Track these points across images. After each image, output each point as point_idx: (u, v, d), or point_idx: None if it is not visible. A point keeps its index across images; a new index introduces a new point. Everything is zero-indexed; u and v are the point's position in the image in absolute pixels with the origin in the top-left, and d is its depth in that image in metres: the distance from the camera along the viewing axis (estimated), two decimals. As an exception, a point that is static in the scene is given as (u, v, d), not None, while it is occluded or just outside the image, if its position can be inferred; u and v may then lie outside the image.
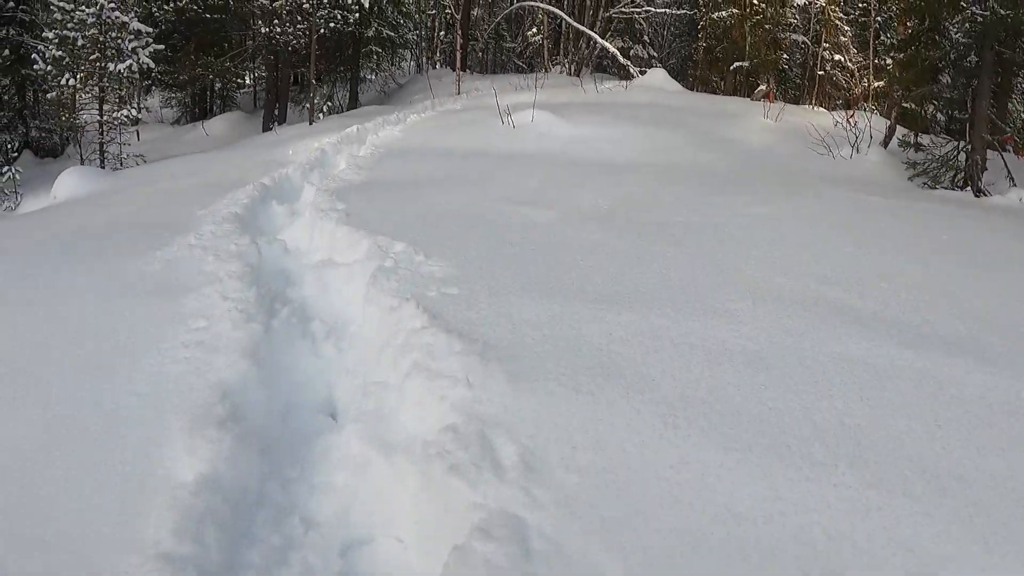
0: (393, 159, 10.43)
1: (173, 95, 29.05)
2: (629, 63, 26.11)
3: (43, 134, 24.72)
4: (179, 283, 4.92)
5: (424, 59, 38.56)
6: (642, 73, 24.82)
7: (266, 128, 22.68)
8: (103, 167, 17.35)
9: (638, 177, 8.78)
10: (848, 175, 11.03)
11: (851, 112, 12.97)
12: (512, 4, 33.89)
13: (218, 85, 29.36)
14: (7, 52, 25.52)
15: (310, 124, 18.97)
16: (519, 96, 17.60)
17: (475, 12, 33.61)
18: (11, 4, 26.14)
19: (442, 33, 38.92)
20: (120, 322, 4.33)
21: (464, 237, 5.69)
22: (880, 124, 13.68)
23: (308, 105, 19.44)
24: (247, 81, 32.73)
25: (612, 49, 26.81)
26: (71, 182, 13.50)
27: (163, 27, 25.91)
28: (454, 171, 9.11)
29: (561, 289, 4.45)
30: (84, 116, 17.73)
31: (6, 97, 26.58)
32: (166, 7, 24.45)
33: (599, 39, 27.27)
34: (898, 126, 13.35)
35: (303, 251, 6.44)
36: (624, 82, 23.33)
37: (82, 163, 17.69)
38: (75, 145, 17.66)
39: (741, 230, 6.20)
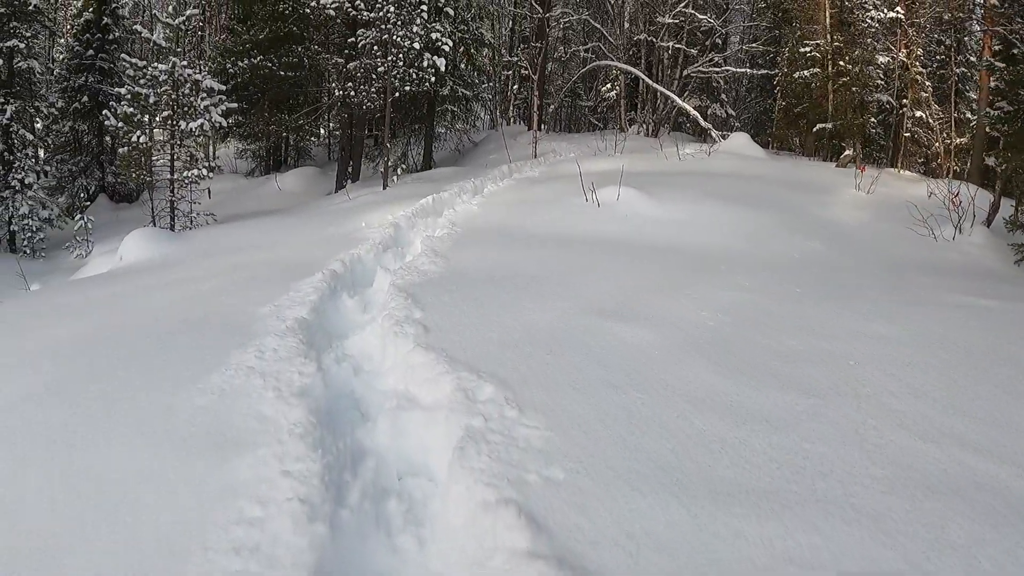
0: (471, 244, 9.75)
1: (247, 147, 29.04)
2: (711, 127, 25.34)
3: (119, 180, 24.76)
4: (233, 432, 4.19)
5: (498, 114, 38.24)
6: (724, 137, 24.07)
7: (339, 186, 22.29)
8: (173, 225, 17.12)
9: (738, 279, 7.95)
10: (955, 263, 10.28)
11: (955, 193, 12.06)
12: (587, 63, 33.51)
13: (293, 138, 29.28)
14: (85, 99, 25.76)
15: (384, 188, 18.50)
16: (599, 162, 16.97)
17: (549, 66, 33.18)
18: (91, 52, 26.43)
19: (515, 87, 38.63)
20: (163, 496, 3.63)
21: (558, 374, 4.92)
22: (982, 199, 12.77)
23: (383, 169, 18.98)
24: (322, 134, 32.67)
25: (692, 112, 26.10)
26: (136, 245, 13.39)
27: (239, 80, 25.97)
28: (537, 265, 8.37)
29: (683, 479, 3.61)
30: (155, 173, 17.44)
31: (85, 142, 26.81)
32: (241, 63, 24.37)
33: (679, 100, 26.57)
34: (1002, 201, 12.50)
35: (376, 371, 5.73)
36: (706, 147, 22.57)
37: (153, 216, 17.53)
38: (149, 192, 17.32)
39: (871, 364, 5.35)
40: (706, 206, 11.70)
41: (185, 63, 17.08)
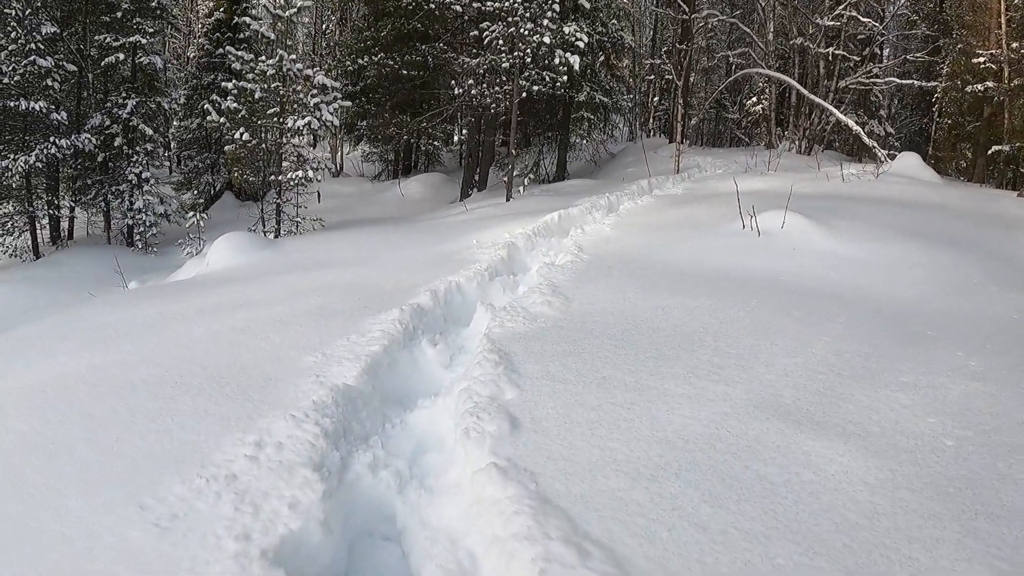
0: (600, 278, 7.59)
1: (374, 150, 27.90)
2: (875, 145, 22.52)
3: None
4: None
5: (636, 126, 36.02)
6: (890, 157, 21.24)
7: (464, 194, 20.84)
8: (278, 229, 15.90)
9: (961, 357, 5.44)
10: None
11: None
12: (733, 71, 30.94)
13: (422, 142, 27.95)
14: (214, 96, 24.98)
15: (507, 200, 16.52)
16: (750, 181, 14.75)
17: (691, 76, 30.75)
18: (220, 51, 25.54)
19: (656, 99, 36.28)
20: None
21: (725, 557, 2.75)
22: None
23: (506, 179, 16.94)
24: (455, 140, 31.26)
25: (855, 128, 23.16)
26: (222, 251, 12.35)
27: (367, 81, 24.62)
28: (686, 317, 6.15)
29: None
30: (260, 173, 16.00)
31: (213, 139, 26.15)
32: (361, 61, 22.89)
33: (839, 115, 23.68)
34: None
35: (434, 487, 3.69)
36: (871, 168, 19.82)
37: (262, 218, 16.39)
38: (275, 191, 16.14)
39: None
40: (890, 242, 9.22)
41: (294, 57, 15.47)
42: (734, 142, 33.64)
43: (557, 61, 16.31)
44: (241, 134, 15.27)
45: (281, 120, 15.46)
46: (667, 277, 7.62)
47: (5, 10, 18.29)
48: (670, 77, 27.58)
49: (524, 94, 16.72)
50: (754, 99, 30.03)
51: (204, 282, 10.41)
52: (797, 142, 27.18)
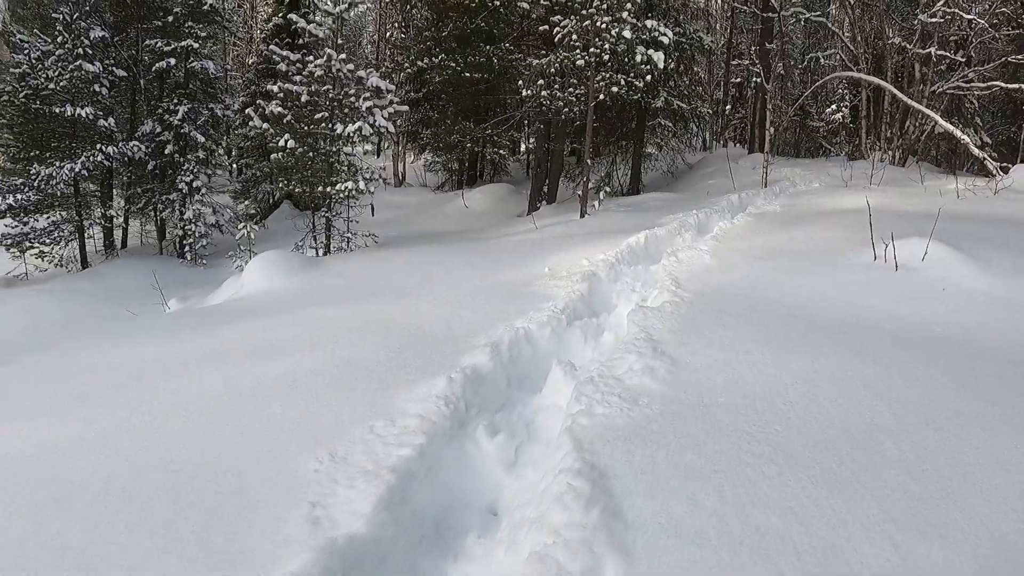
0: (709, 329, 5.80)
1: (437, 159, 26.50)
2: (987, 157, 20.33)
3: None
4: None
5: (713, 133, 34.01)
6: (1004, 171, 19.05)
7: (532, 207, 19.30)
8: (328, 245, 14.70)
9: None
10: None
11: None
12: (817, 75, 28.80)
13: (488, 151, 26.46)
14: (259, 101, 23.94)
15: (581, 216, 14.77)
16: (850, 197, 13.31)
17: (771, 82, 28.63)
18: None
19: (728, 108, 34.15)
20: None
21: None
22: None
23: (580, 192, 15.09)
24: (522, 148, 29.70)
25: (962, 137, 20.85)
26: (256, 274, 11.19)
27: (429, 88, 23.44)
28: (839, 400, 4.26)
29: None
30: (307, 183, 14.57)
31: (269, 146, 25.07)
32: (421, 63, 21.37)
33: (943, 123, 21.41)
34: None
35: None
36: (985, 182, 17.66)
37: (314, 230, 15.09)
38: (325, 204, 14.91)
39: None
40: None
41: (344, 57, 13.97)
42: (815, 152, 31.36)
43: (639, 59, 14.44)
44: (286, 141, 13.81)
45: (330, 126, 13.96)
46: (795, 326, 5.84)
47: (53, 15, 17.87)
48: (750, 81, 25.63)
49: (601, 96, 14.89)
50: (833, 106, 27.99)
51: (229, 312, 9.11)
52: (891, 152, 24.99)
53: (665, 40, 14.83)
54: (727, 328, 5.80)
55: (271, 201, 26.45)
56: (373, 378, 5.05)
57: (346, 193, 13.90)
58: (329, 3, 14.25)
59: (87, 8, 18.96)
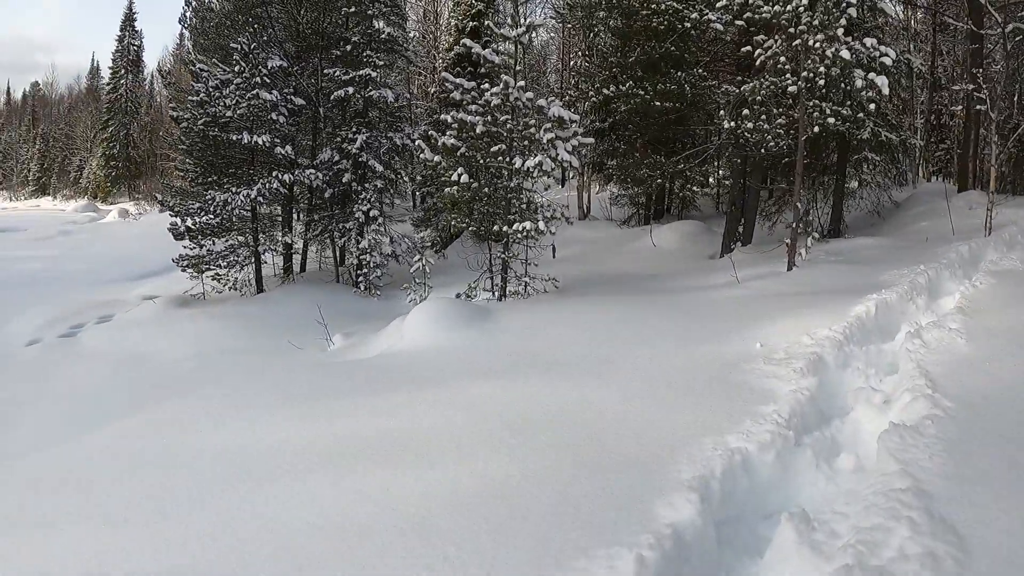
0: (997, 475, 4.20)
1: (623, 192, 25.20)
2: None
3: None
4: None
5: (918, 170, 31.10)
6: None
7: (726, 248, 17.73)
8: (504, 288, 13.67)
9: None
10: None
11: None
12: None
13: (676, 185, 24.98)
14: (431, 131, 23.71)
15: (788, 269, 13.06)
16: None
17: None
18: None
19: (922, 138, 31.01)
20: None
21: None
22: None
23: (789, 239, 13.32)
24: (711, 182, 28.03)
25: None
26: (417, 325, 10.23)
27: (615, 118, 22.34)
28: None
29: None
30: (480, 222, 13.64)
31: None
32: (606, 90, 20.10)
33: None
34: None
35: None
36: None
37: (490, 272, 13.98)
38: (500, 244, 13.94)
39: None
40: None
41: (522, 84, 12.91)
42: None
43: (859, 84, 12.58)
44: (460, 175, 12.85)
45: (508, 160, 12.89)
46: None
47: (232, 45, 18.02)
48: (961, 106, 23.01)
49: (816, 128, 13.12)
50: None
51: (379, 372, 8.27)
52: None
53: (888, 61, 12.85)
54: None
55: (451, 230, 25.87)
56: (529, 533, 3.84)
57: (524, 233, 12.78)
58: (507, 27, 13.24)
59: (265, 38, 19.26)
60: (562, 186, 34.78)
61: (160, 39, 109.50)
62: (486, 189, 13.19)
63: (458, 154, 12.97)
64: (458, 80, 13.30)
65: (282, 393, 7.48)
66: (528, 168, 12.52)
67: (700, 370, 6.80)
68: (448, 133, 13.08)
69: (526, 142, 12.99)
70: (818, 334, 7.34)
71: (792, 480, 4.77)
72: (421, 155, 14.33)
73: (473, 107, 13.03)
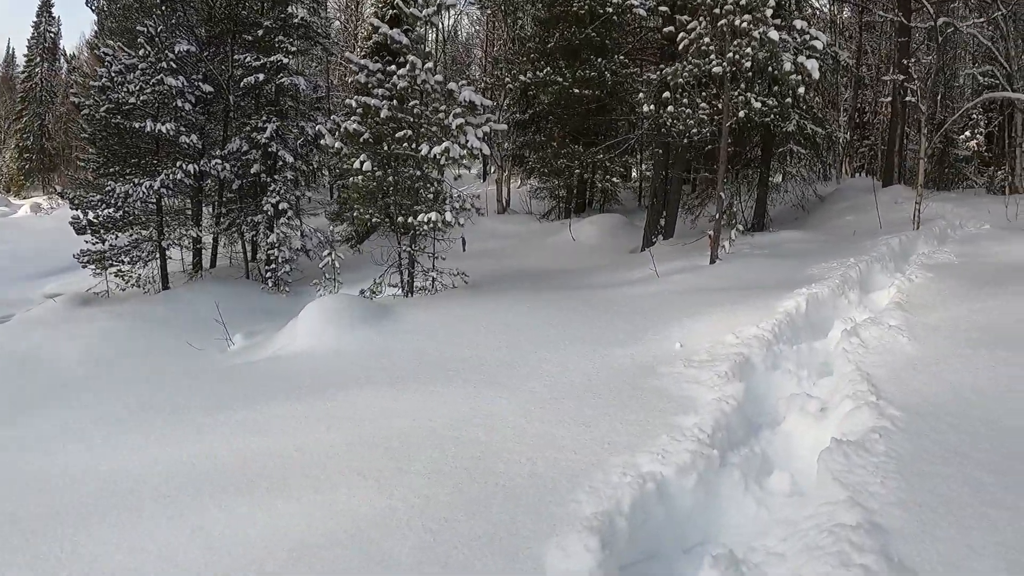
0: (957, 501, 3.48)
1: (543, 185, 24.43)
2: None
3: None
4: None
5: (841, 165, 31.01)
6: None
7: (647, 242, 17.04)
8: (411, 284, 12.90)
9: None
10: None
11: None
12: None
13: (598, 178, 24.33)
14: (333, 116, 22.83)
15: (711, 262, 12.31)
16: None
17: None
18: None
19: (846, 134, 30.99)
20: None
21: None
22: None
23: (712, 232, 12.55)
24: (633, 175, 27.42)
25: None
26: (310, 324, 9.45)
27: (537, 109, 21.70)
28: None
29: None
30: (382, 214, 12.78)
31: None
32: (523, 77, 19.30)
33: None
34: None
35: None
36: None
37: (400, 268, 13.12)
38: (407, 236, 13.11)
39: None
40: None
41: (431, 66, 12.02)
42: (955, 184, 27.96)
43: (788, 67, 11.79)
44: (362, 163, 11.90)
45: (414, 146, 11.96)
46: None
47: (138, 28, 16.95)
48: (888, 99, 22.76)
49: (741, 113, 12.35)
50: (967, 133, 25.16)
51: (261, 379, 7.53)
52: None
53: (819, 45, 12.12)
54: (995, 503, 3.53)
55: (367, 224, 24.81)
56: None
57: (430, 225, 11.89)
58: (416, 7, 12.35)
59: (173, 21, 18.14)
60: (483, 180, 34.05)
61: (80, 27, 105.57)
62: (391, 178, 12.25)
63: (361, 140, 12.01)
64: (362, 61, 12.42)
65: (154, 404, 6.85)
66: (435, 155, 11.62)
67: (612, 375, 5.99)
68: (352, 119, 12.12)
69: (434, 128, 12.09)
70: (744, 332, 6.57)
71: (717, 507, 4.01)
72: (322, 142, 13.36)
73: (380, 91, 12.12)
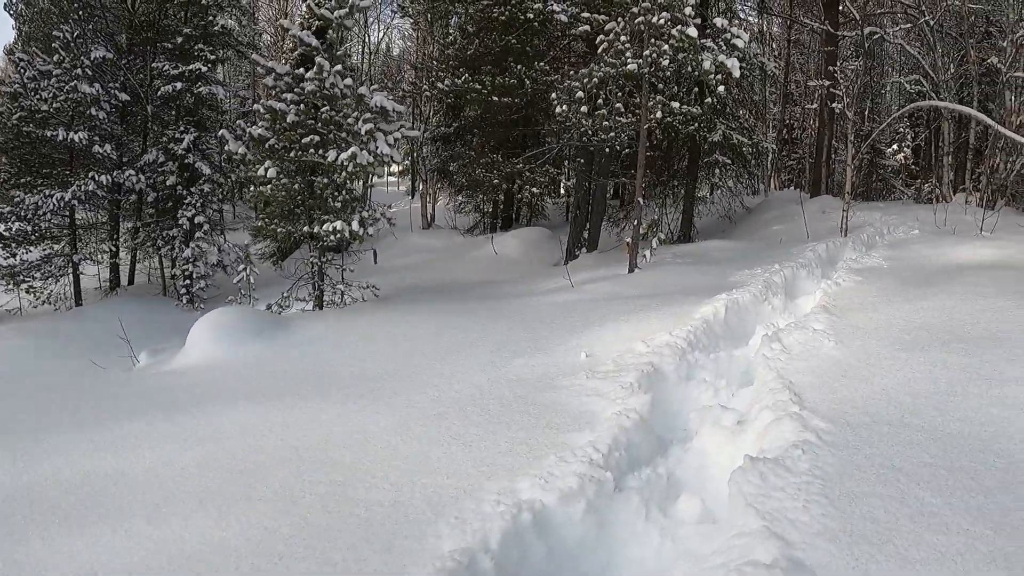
0: (898, 530, 2.90)
1: (468, 199, 23.82)
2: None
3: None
4: None
5: (770, 176, 30.96)
6: None
7: (570, 255, 16.51)
8: (321, 298, 12.15)
9: None
10: None
11: None
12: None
13: (526, 190, 23.81)
14: (238, 121, 22.25)
15: (630, 271, 11.69)
16: (969, 248, 11.15)
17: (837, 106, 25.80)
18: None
19: (774, 148, 31.01)
20: None
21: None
22: None
23: (629, 240, 11.94)
24: (562, 190, 26.94)
25: None
26: (202, 337, 8.91)
27: (462, 122, 21.37)
28: None
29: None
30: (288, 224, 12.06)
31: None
32: (441, 84, 18.67)
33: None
34: None
35: None
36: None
37: (314, 281, 12.32)
38: (313, 248, 12.52)
39: None
40: None
41: (340, 68, 11.33)
42: (883, 194, 28.06)
43: (708, 65, 11.19)
44: (267, 169, 11.14)
45: (322, 153, 11.21)
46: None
47: (55, 32, 16.30)
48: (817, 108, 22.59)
49: (659, 114, 11.74)
50: (895, 146, 25.25)
51: (141, 395, 6.97)
52: (978, 194, 21.77)
53: (740, 43, 11.59)
54: (942, 529, 2.92)
55: (292, 239, 24.00)
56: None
57: (337, 235, 11.14)
58: (326, 8, 11.70)
59: (91, 27, 17.43)
60: (412, 196, 33.47)
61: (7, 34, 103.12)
62: (297, 186, 11.51)
63: (267, 147, 11.23)
64: (269, 64, 11.63)
65: (19, 423, 6.28)
66: (341, 162, 10.88)
67: (509, 387, 5.32)
68: (260, 123, 11.37)
69: (344, 134, 11.36)
70: (656, 340, 5.93)
71: (612, 539, 3.33)
72: (226, 147, 12.57)
73: (289, 95, 11.38)
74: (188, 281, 17.16)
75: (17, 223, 15.45)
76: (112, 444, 5.09)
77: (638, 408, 4.47)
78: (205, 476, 4.22)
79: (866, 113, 26.01)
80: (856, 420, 4.08)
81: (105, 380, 9.55)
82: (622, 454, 3.92)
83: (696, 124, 15.01)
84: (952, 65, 21.93)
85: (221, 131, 13.20)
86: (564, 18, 15.18)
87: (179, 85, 17.35)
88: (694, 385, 5.32)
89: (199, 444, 4.83)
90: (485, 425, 4.49)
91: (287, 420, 5.11)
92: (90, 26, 17.38)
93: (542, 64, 17.43)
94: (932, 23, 21.21)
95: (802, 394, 4.49)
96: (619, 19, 11.50)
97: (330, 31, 12.40)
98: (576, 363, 5.87)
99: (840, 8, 22.15)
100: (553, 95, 12.50)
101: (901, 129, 26.49)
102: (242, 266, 14.21)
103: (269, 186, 11.50)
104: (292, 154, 11.34)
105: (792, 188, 30.25)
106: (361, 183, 11.60)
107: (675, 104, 11.57)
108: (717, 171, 20.50)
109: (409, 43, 40.08)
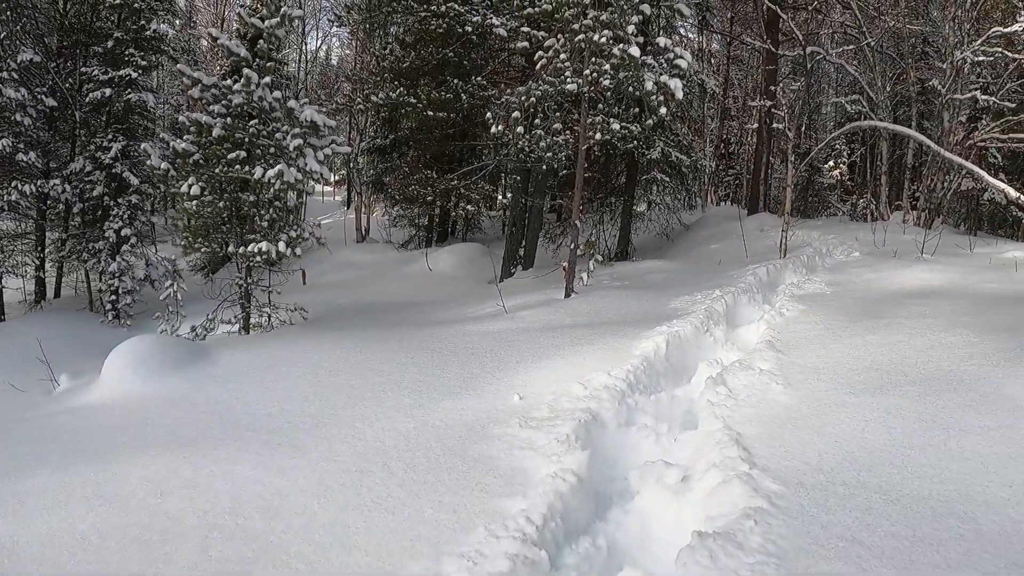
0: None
1: (403, 213, 23.35)
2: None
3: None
4: None
5: (707, 193, 31.06)
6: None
7: (505, 272, 16.23)
8: (247, 321, 11.65)
9: None
10: None
11: None
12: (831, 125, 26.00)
13: (461, 205, 23.45)
14: (162, 134, 21.65)
15: (566, 296, 11.32)
16: (911, 271, 11.15)
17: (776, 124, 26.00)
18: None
19: (711, 163, 31.16)
20: None
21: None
22: None
23: (567, 262, 11.59)
24: (498, 204, 26.63)
25: (1013, 193, 17.42)
26: (118, 369, 8.22)
27: (398, 135, 20.91)
28: None
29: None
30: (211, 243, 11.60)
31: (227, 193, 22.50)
32: (375, 97, 18.24)
33: (988, 177, 18.11)
34: None
35: None
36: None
37: (245, 301, 11.74)
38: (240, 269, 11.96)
39: None
40: None
41: (268, 80, 10.85)
42: (818, 211, 28.19)
43: (650, 86, 10.88)
44: (191, 186, 10.62)
45: (248, 169, 10.70)
46: None
47: None
48: (755, 126, 22.62)
49: (598, 135, 11.39)
50: (831, 163, 25.36)
51: (46, 436, 6.33)
52: (915, 213, 21.85)
53: (683, 64, 11.32)
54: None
55: (222, 254, 23.40)
56: None
57: (262, 256, 10.65)
58: (257, 18, 11.26)
59: (19, 28, 16.65)
60: (347, 208, 32.95)
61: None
62: (221, 203, 11.01)
63: (191, 162, 10.69)
64: (196, 74, 11.06)
65: None
66: (268, 179, 10.39)
67: (435, 438, 4.92)
68: (185, 136, 10.83)
69: (272, 149, 10.87)
70: (594, 382, 5.57)
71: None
72: (148, 161, 12.01)
73: (216, 108, 10.87)
74: (114, 296, 16.49)
75: (-65, 234, 14.69)
76: (11, 501, 4.57)
77: (575, 468, 4.10)
78: (104, 547, 3.81)
79: (802, 130, 26.15)
80: (810, 480, 3.79)
81: (21, 406, 8.93)
82: (558, 523, 3.57)
83: (635, 142, 14.77)
84: (889, 84, 22.07)
85: (144, 145, 12.60)
86: (503, 32, 14.87)
87: (108, 91, 16.71)
88: (634, 432, 4.98)
89: (105, 504, 4.35)
90: (410, 486, 4.09)
91: (197, 476, 4.63)
92: (18, 27, 16.63)
93: (479, 78, 17.12)
94: (873, 44, 21.32)
95: (751, 448, 4.19)
96: (559, 35, 11.15)
97: (261, 41, 11.89)
98: (509, 407, 5.49)
99: (780, 27, 22.21)
100: (489, 113, 12.11)
101: (837, 146, 26.59)
102: (169, 281, 13.62)
103: (194, 203, 10.98)
104: (218, 170, 10.81)
105: (729, 203, 30.38)
106: (295, 193, 10.99)
107: (615, 125, 11.23)
108: (655, 188, 20.28)
109: (348, 51, 39.62)
